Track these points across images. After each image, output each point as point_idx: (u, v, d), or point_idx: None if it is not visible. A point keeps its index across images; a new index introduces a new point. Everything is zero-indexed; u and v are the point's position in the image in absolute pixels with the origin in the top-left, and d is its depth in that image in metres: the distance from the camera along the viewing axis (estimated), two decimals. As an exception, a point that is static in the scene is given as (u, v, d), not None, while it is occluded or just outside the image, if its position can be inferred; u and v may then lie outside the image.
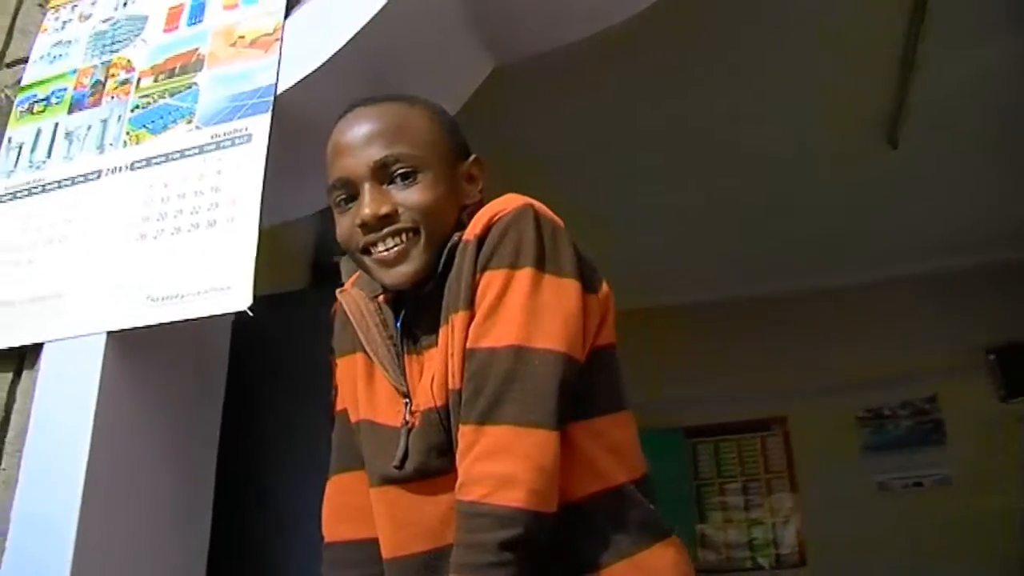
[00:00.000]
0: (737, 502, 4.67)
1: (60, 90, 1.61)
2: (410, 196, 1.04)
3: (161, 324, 1.33)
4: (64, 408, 1.35)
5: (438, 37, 1.63)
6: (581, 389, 0.97)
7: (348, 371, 1.15)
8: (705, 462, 4.79)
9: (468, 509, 0.88)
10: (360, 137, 1.05)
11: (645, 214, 3.77)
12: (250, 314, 1.28)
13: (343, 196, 1.06)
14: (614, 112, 3.05)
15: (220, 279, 1.31)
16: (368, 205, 1.02)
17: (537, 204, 1.03)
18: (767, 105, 3.08)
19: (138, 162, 1.47)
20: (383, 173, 1.04)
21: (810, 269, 4.46)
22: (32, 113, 1.62)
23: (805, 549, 4.46)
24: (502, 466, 0.88)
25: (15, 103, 1.64)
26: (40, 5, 1.76)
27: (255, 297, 1.29)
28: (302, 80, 1.46)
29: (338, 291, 1.17)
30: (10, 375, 1.43)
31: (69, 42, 1.67)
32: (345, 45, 1.47)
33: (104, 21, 1.66)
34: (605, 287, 1.05)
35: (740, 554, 4.58)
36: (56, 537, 1.25)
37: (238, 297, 1.28)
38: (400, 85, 1.41)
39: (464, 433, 0.92)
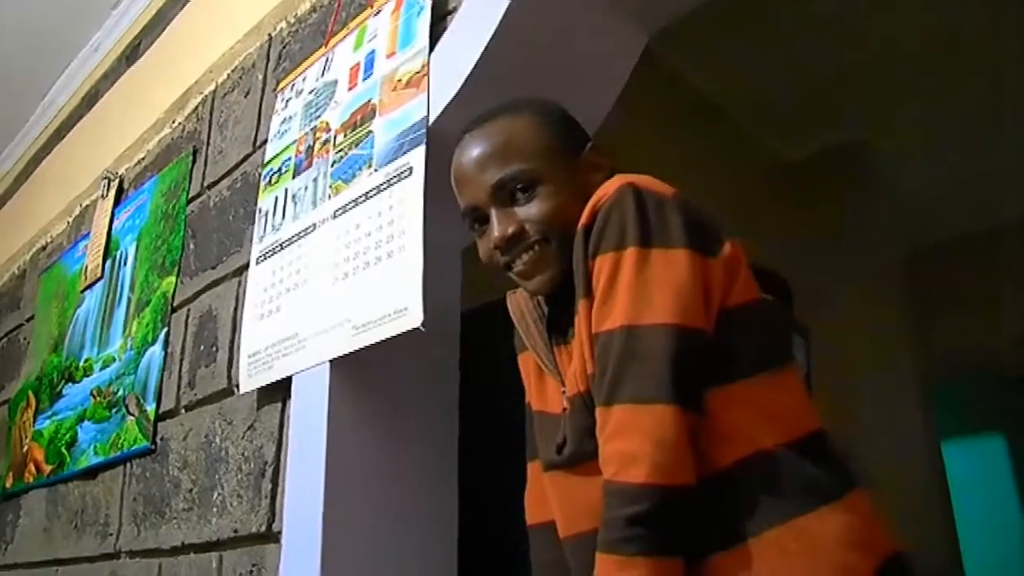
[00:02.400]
0: None
1: (287, 160, 1.91)
2: (532, 210, 1.10)
3: (365, 348, 1.53)
4: (307, 428, 1.61)
5: (576, 24, 1.64)
6: (715, 355, 0.96)
7: (524, 367, 1.27)
8: None
9: (605, 488, 0.93)
10: (474, 163, 1.13)
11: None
12: (423, 330, 1.42)
13: (474, 221, 1.15)
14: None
15: (398, 303, 1.47)
16: (496, 229, 1.10)
17: (639, 180, 1.03)
18: None
19: (338, 210, 1.69)
20: (503, 194, 1.11)
21: None
22: (271, 184, 1.94)
23: None
24: (625, 444, 0.91)
25: (261, 178, 1.98)
26: (273, 91, 2.09)
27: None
28: (448, 105, 1.57)
29: (508, 293, 1.27)
30: (280, 404, 1.74)
31: (290, 117, 1.96)
32: (478, 61, 1.54)
33: (310, 92, 1.92)
34: (729, 246, 1.02)
35: None
36: (308, 540, 1.51)
37: (412, 317, 1.43)
38: (550, 85, 1.46)
39: (598, 415, 0.97)
